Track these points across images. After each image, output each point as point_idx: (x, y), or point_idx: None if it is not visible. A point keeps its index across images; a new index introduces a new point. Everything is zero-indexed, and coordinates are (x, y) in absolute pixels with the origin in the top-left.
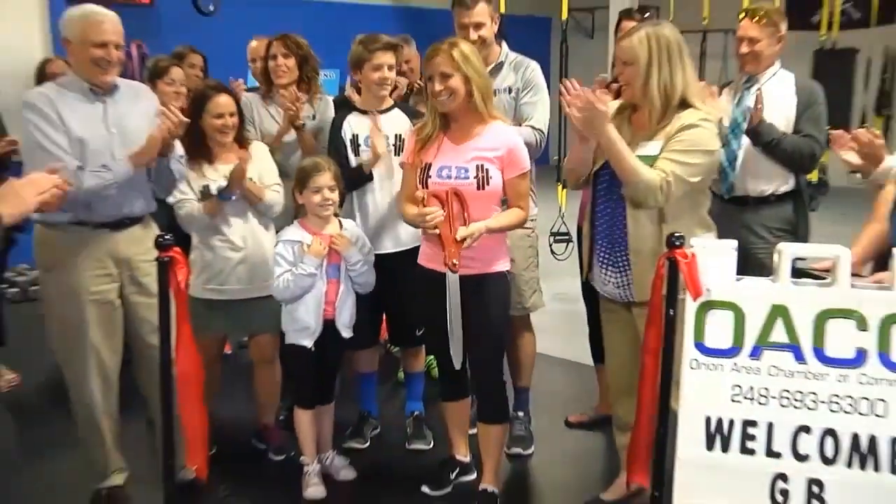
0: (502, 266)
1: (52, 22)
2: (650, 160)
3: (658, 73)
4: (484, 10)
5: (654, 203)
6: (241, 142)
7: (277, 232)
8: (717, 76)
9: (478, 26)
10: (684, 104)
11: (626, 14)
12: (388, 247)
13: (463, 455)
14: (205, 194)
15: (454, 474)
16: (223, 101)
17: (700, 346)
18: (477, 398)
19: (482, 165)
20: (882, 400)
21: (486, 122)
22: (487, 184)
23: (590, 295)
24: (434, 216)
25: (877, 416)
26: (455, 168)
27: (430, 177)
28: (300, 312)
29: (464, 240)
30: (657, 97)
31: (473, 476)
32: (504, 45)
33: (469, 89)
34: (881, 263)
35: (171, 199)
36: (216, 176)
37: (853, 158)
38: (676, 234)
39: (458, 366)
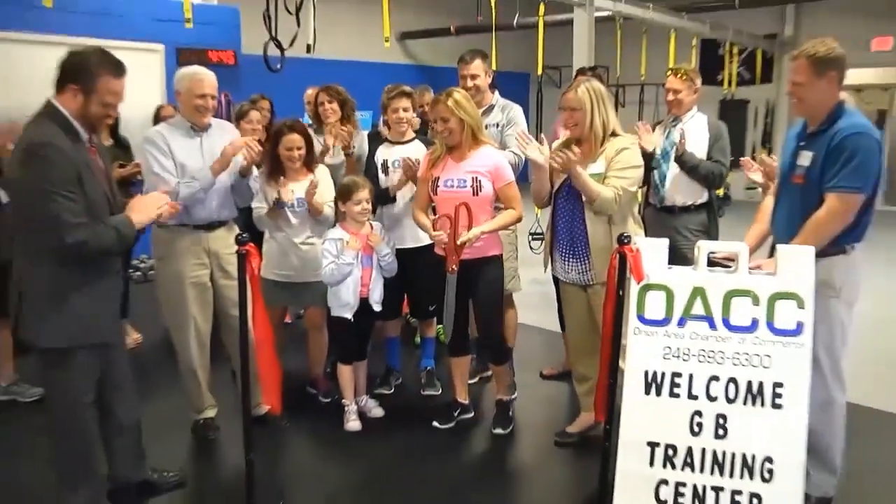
0: (495, 251)
1: (167, 78)
2: (598, 177)
3: (598, 113)
4: (479, 66)
5: (613, 211)
6: (309, 166)
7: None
8: (652, 117)
9: (473, 77)
10: (613, 133)
11: (580, 71)
12: (409, 243)
13: (463, 399)
14: (277, 204)
15: (457, 413)
16: (293, 137)
17: (641, 318)
18: (485, 347)
19: (476, 178)
20: (768, 356)
21: (478, 147)
22: (480, 191)
23: (557, 280)
24: (440, 238)
25: (764, 367)
26: (456, 179)
27: (438, 186)
28: (342, 293)
29: (464, 244)
30: (599, 130)
31: (471, 414)
32: (496, 92)
33: (462, 126)
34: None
35: (253, 205)
36: (286, 191)
37: (758, 177)
38: (625, 235)
39: (447, 339)
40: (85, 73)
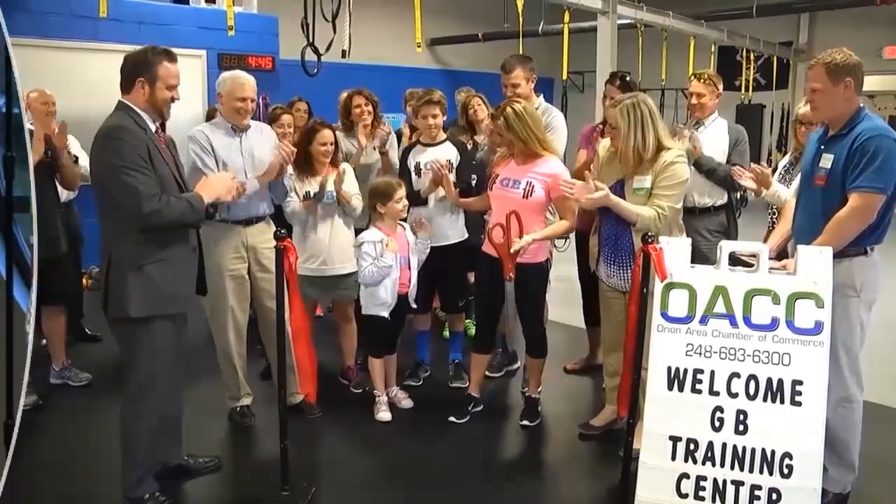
0: (541, 258)
1: (209, 80)
2: (644, 191)
3: (633, 138)
4: (519, 74)
5: (655, 230)
6: (335, 162)
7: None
8: (672, 120)
9: (515, 85)
10: (660, 146)
11: (611, 77)
12: (439, 241)
13: (476, 392)
14: (307, 197)
15: (471, 406)
16: (327, 134)
17: (664, 315)
18: (526, 342)
19: (531, 182)
20: (788, 354)
21: (541, 156)
22: (531, 195)
23: (584, 278)
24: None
25: (784, 365)
26: (512, 180)
27: (495, 183)
28: (380, 292)
29: (517, 252)
30: (631, 154)
31: (481, 407)
32: (541, 97)
33: (512, 140)
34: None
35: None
36: (316, 185)
37: (751, 184)
38: (649, 235)
39: (508, 332)
40: (146, 65)
